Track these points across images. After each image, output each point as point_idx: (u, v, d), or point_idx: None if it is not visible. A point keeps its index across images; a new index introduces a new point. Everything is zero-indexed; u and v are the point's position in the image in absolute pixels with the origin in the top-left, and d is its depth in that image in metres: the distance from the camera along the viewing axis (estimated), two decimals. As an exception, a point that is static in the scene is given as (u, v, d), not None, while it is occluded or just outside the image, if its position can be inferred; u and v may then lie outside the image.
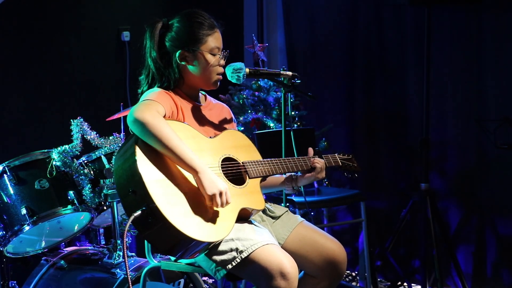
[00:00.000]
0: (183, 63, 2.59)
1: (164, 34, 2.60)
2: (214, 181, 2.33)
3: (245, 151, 2.62)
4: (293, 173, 2.74)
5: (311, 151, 2.76)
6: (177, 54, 2.57)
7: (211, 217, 2.35)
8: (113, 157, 3.21)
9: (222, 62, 2.65)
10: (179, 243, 2.31)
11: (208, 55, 2.59)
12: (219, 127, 2.71)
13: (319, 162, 2.71)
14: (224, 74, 2.68)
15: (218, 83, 2.67)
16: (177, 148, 2.31)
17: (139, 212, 2.26)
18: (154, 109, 2.38)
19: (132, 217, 2.26)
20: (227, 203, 2.36)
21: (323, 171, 2.72)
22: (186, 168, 2.35)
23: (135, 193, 2.29)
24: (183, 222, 2.27)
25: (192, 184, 2.38)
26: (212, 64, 2.60)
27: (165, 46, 2.60)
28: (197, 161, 2.34)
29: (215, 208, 2.36)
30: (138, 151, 2.31)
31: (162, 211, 2.24)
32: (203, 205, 2.36)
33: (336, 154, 2.88)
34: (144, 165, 2.29)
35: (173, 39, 2.59)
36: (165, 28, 2.61)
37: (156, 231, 2.29)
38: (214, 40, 2.60)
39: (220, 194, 2.33)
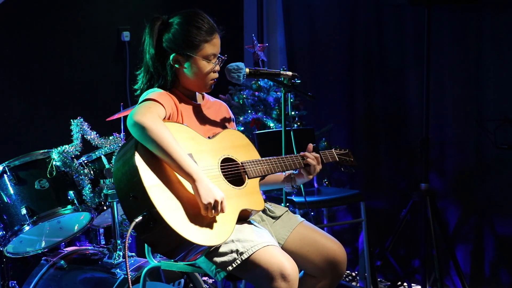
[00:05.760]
0: (176, 66, 2.56)
1: (162, 32, 2.56)
2: (211, 189, 2.30)
3: (244, 151, 2.62)
4: (291, 172, 2.75)
5: (310, 147, 2.75)
6: (171, 57, 2.54)
7: (211, 220, 2.34)
8: (113, 157, 3.21)
9: (217, 68, 2.61)
10: (179, 247, 2.30)
11: (203, 61, 2.55)
12: (218, 124, 2.70)
13: (313, 159, 2.70)
14: (221, 75, 2.66)
15: (212, 87, 2.64)
16: (175, 154, 2.28)
17: (140, 218, 2.24)
18: (155, 112, 2.35)
19: (133, 223, 2.25)
20: (222, 211, 2.33)
21: (319, 165, 2.71)
22: (183, 176, 2.32)
23: (136, 198, 2.26)
24: (184, 226, 2.26)
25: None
26: (207, 71, 2.57)
27: (162, 45, 2.56)
28: (194, 169, 2.30)
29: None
30: (137, 154, 2.29)
31: (163, 216, 2.22)
32: None
33: (333, 150, 2.87)
34: (144, 169, 2.27)
35: (169, 41, 2.55)
36: (164, 25, 2.57)
37: (157, 235, 2.28)
38: (211, 47, 2.55)
39: (216, 203, 2.30)
